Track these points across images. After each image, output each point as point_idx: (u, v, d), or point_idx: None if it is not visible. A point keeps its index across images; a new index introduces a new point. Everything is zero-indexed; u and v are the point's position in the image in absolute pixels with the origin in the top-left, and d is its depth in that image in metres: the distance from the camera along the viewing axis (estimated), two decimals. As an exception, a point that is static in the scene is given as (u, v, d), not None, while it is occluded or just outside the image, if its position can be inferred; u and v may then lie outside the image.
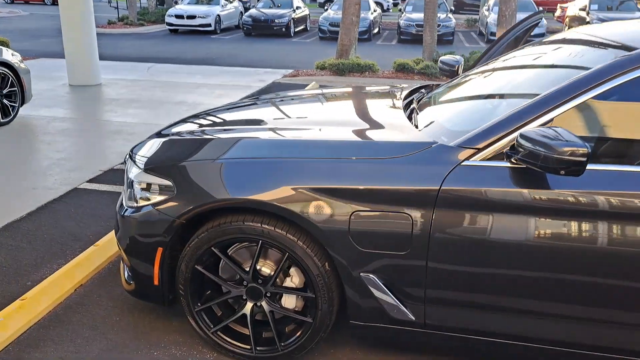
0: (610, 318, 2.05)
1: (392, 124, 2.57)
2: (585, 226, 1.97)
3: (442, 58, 4.01)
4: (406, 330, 2.26)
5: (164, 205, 2.35)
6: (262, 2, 20.43)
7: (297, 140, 2.41)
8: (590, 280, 2.00)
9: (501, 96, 2.60)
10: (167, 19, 19.26)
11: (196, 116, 3.19)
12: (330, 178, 2.16)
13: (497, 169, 2.05)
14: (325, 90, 3.61)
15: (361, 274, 2.20)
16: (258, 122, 2.85)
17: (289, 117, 2.91)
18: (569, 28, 20.33)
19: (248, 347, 2.44)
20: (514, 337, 2.17)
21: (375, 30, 19.47)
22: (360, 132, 2.48)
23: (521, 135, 1.93)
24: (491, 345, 2.21)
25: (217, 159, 2.34)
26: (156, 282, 2.47)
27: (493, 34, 17.33)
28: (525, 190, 2.01)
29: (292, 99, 3.43)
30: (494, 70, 3.00)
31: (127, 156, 2.83)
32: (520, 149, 1.92)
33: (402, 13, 18.60)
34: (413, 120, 2.58)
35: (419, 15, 17.75)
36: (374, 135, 2.44)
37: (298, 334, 2.39)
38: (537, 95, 2.17)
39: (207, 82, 9.50)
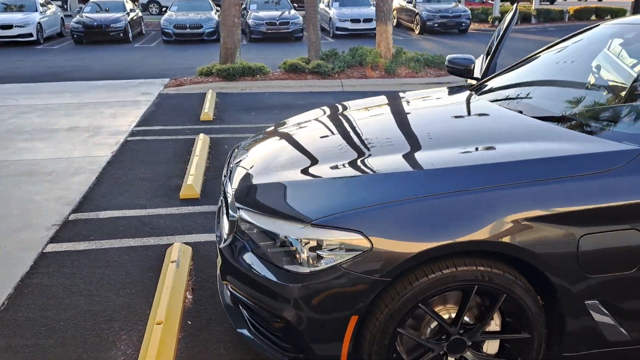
0: None
1: (547, 129, 2.40)
2: None
3: (452, 57, 3.94)
4: (618, 350, 2.16)
5: (358, 264, 1.91)
6: (89, 6, 18.43)
7: (492, 163, 2.12)
8: None
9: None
10: (-25, 31, 16.37)
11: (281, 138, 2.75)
12: (549, 202, 1.96)
13: None
14: (396, 101, 3.34)
15: (586, 301, 2.03)
16: (403, 143, 2.50)
17: (430, 135, 2.59)
18: (397, 20, 21.88)
19: (451, 409, 2.12)
20: None
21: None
22: (538, 146, 2.22)
23: None
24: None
25: (419, 197, 1.96)
26: (344, 359, 2.01)
27: (339, 29, 17.95)
28: None
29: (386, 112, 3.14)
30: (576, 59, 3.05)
31: (236, 208, 2.27)
32: None
33: (248, 12, 18.26)
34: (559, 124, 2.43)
35: (267, 14, 17.66)
36: (552, 147, 2.20)
37: (508, 379, 2.14)
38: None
39: (84, 101, 8.26)
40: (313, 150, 2.57)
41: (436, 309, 2.08)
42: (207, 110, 7.48)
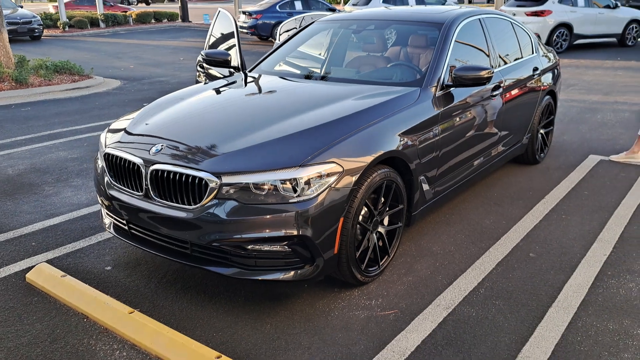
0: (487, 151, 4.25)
1: (372, 88, 3.70)
2: (485, 106, 4.06)
3: (208, 52, 4.71)
4: (429, 204, 3.73)
5: (339, 182, 2.81)
6: None
7: (370, 106, 3.30)
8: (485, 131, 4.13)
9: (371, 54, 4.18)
10: None
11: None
12: (402, 123, 3.31)
13: (448, 93, 3.75)
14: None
15: (420, 178, 3.50)
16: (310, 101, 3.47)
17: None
18: None
19: (376, 267, 3.27)
20: (470, 174, 4.09)
21: None
22: (365, 99, 3.50)
23: (455, 72, 3.68)
24: (462, 185, 4.04)
25: (352, 133, 2.99)
26: (336, 251, 2.88)
27: None
28: (467, 96, 3.86)
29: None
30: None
31: (216, 178, 2.73)
32: (457, 78, 3.67)
33: None
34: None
35: None
36: (381, 95, 3.53)
37: (395, 237, 3.43)
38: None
39: None
40: (251, 115, 3.30)
41: (368, 203, 3.15)
42: None
